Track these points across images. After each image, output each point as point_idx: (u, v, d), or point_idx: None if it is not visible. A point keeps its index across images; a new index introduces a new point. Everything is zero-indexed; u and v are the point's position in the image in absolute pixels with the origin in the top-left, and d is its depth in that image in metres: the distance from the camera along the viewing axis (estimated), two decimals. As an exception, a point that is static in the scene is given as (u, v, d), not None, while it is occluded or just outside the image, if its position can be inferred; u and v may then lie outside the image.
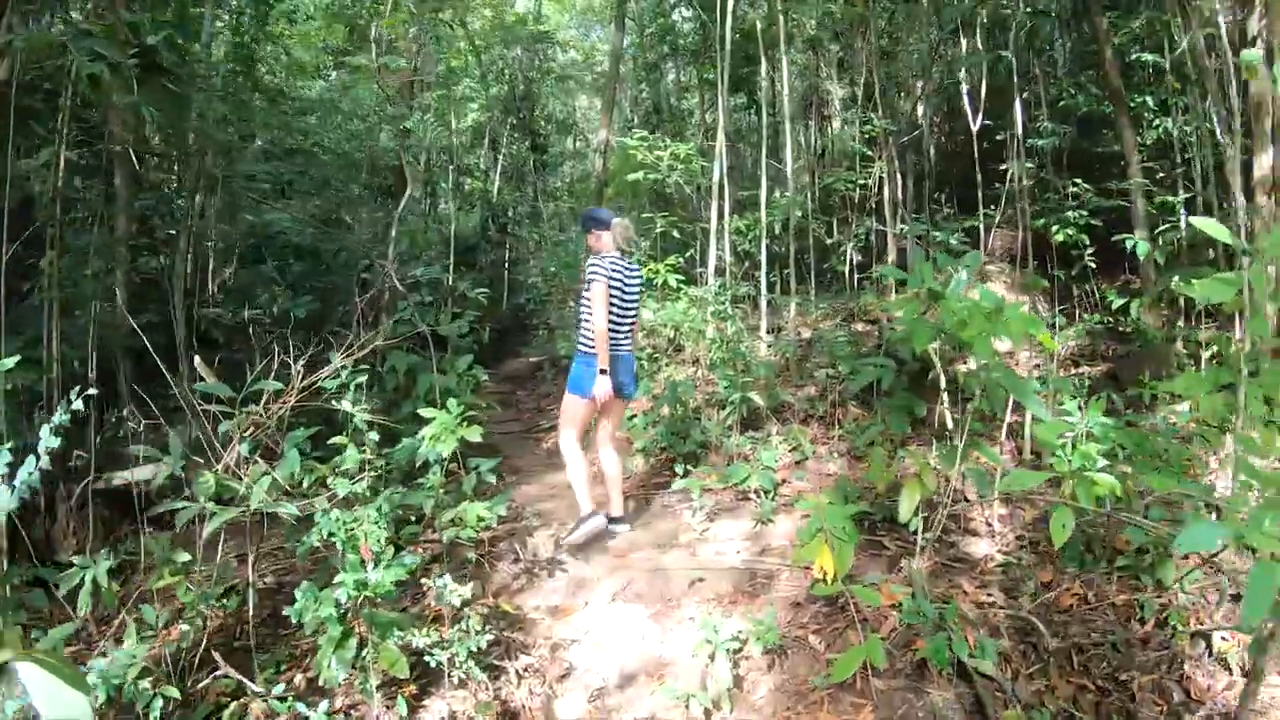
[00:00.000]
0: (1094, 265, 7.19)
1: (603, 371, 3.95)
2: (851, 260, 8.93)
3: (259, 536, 4.08)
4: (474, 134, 15.71)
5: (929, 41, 9.33)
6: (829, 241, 9.31)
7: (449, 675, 2.77)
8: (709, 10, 9.25)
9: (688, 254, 8.58)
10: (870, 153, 8.96)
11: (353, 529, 2.57)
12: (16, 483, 1.82)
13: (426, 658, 2.70)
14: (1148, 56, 7.07)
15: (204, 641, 2.87)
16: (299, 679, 2.97)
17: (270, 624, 3.45)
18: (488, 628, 3.05)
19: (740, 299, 7.84)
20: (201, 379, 3.14)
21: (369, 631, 2.56)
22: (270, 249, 8.65)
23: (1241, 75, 5.09)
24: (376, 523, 2.57)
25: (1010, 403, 4.15)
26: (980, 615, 3.01)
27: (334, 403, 3.07)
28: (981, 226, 7.54)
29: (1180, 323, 6.51)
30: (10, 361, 1.96)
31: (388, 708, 2.67)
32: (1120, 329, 7.06)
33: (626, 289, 4.12)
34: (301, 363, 3.12)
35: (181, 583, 2.92)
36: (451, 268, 8.01)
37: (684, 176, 8.16)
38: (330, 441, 3.59)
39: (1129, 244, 6.12)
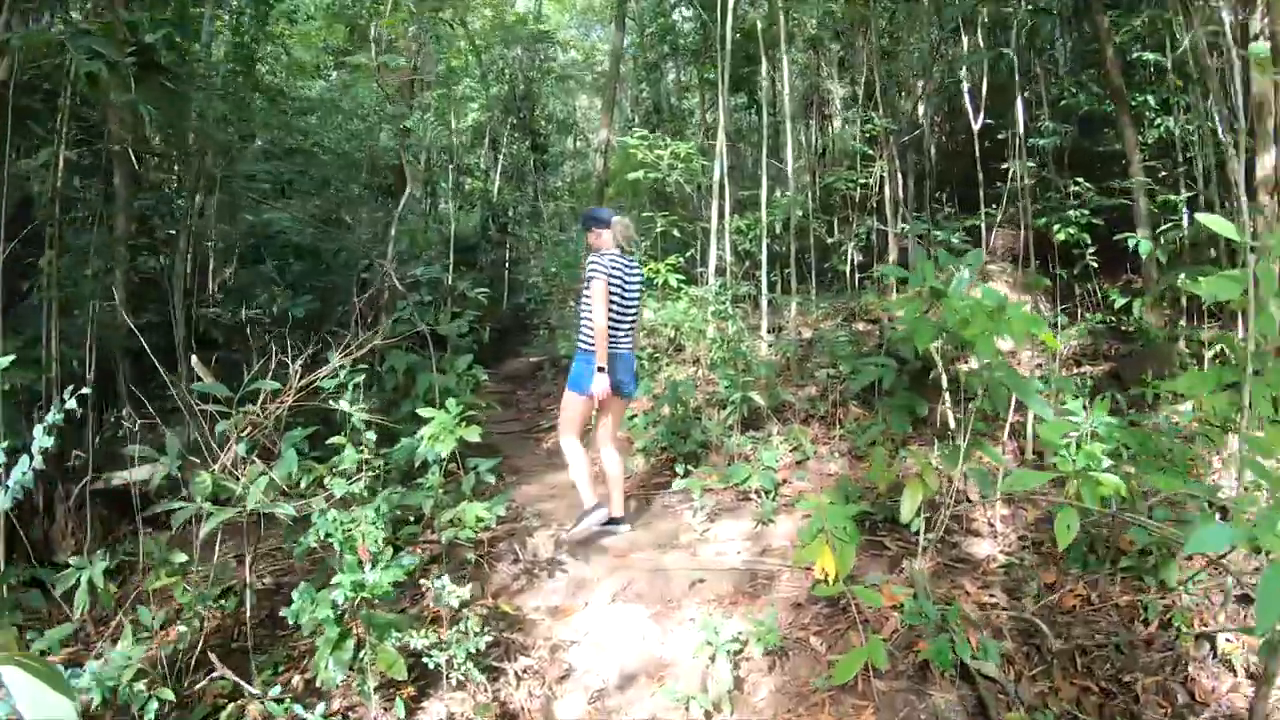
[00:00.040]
0: (1095, 264, 7.17)
1: (600, 369, 3.95)
2: (852, 260, 8.91)
3: (256, 537, 4.06)
4: (474, 134, 15.70)
5: (930, 41, 9.31)
6: (830, 241, 9.29)
7: (447, 677, 2.75)
8: (709, 10, 9.24)
9: (688, 253, 8.57)
10: (871, 152, 8.94)
11: (350, 530, 2.55)
12: (10, 482, 1.80)
13: (425, 659, 2.68)
14: (1149, 55, 7.05)
15: (200, 643, 2.85)
16: (297, 680, 2.96)
17: (268, 625, 3.43)
18: (487, 629, 3.03)
19: (741, 298, 7.82)
20: (199, 379, 3.12)
21: (366, 633, 2.54)
22: (270, 249, 8.63)
23: (1244, 74, 5.07)
24: (374, 523, 2.55)
25: (1012, 402, 4.13)
26: (982, 616, 2.99)
27: (332, 402, 3.05)
28: (983, 225, 7.52)
29: (1182, 322, 6.49)
30: (5, 360, 1.94)
31: (385, 709, 2.65)
32: (1122, 328, 7.03)
33: (626, 287, 4.12)
34: (299, 362, 3.10)
35: (178, 584, 2.90)
36: (451, 267, 7.99)
37: (684, 175, 8.15)
38: (329, 441, 3.58)
39: (1131, 243, 6.10)
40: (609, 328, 4.04)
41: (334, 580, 2.45)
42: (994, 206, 7.74)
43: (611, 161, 12.10)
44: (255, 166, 8.60)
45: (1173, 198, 6.62)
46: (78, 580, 2.78)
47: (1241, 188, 3.39)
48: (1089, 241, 7.01)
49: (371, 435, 2.95)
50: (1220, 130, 6.19)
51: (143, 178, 7.14)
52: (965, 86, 7.80)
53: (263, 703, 2.56)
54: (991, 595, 3.25)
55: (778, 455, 4.97)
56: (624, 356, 4.16)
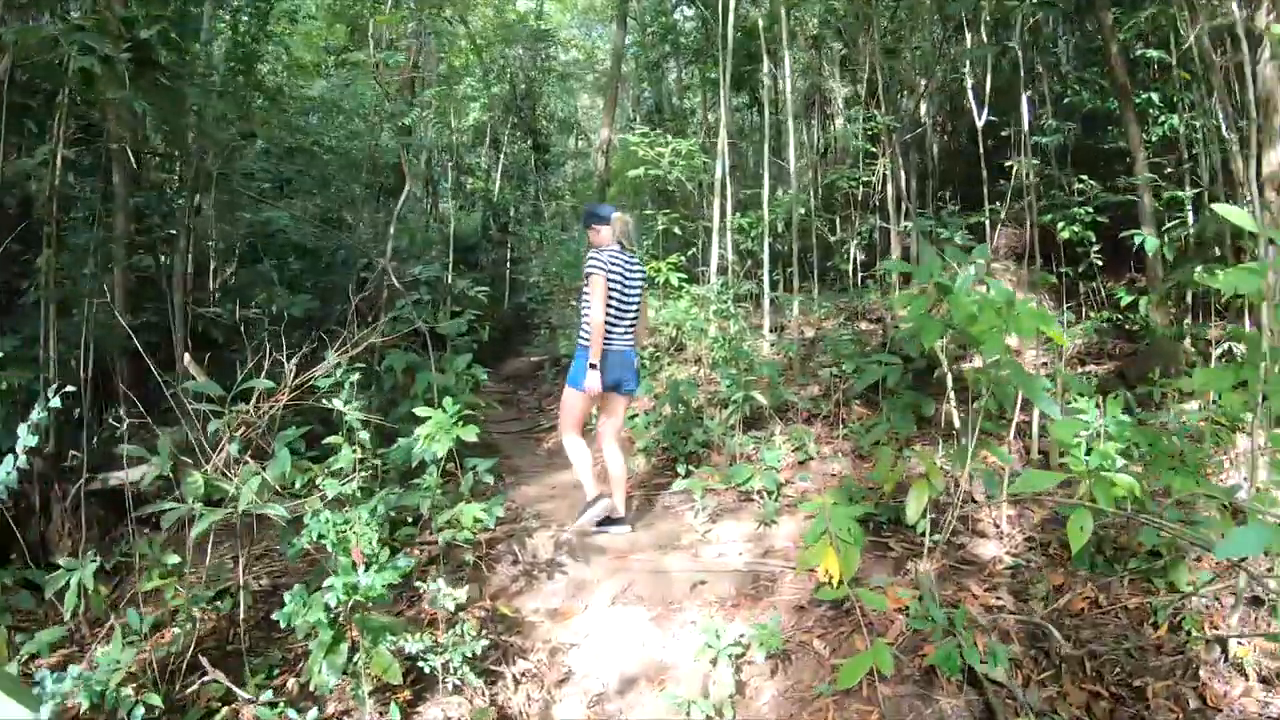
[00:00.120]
0: (1100, 263, 7.12)
1: (592, 366, 3.94)
2: (855, 258, 8.87)
3: (251, 538, 4.02)
4: (475, 133, 15.68)
5: (932, 39, 9.26)
6: (832, 240, 9.24)
7: (443, 681, 2.70)
8: (710, 8, 9.20)
9: (690, 252, 8.52)
10: (874, 149, 8.89)
11: (344, 531, 2.50)
12: (-5, 482, 1.76)
13: (420, 663, 2.63)
14: (1153, 52, 7.01)
15: (193, 646, 2.80)
16: (291, 684, 2.91)
17: (264, 627, 3.38)
18: (484, 632, 2.99)
19: (743, 297, 7.78)
20: (193, 378, 3.08)
21: (361, 636, 2.49)
22: (269, 248, 8.60)
23: (1248, 70, 5.01)
24: (368, 524, 2.50)
25: (1018, 401, 4.07)
26: (989, 620, 2.93)
27: (327, 402, 3.01)
28: (987, 223, 7.47)
29: (1188, 320, 6.43)
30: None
31: (380, 714, 2.60)
32: (1126, 327, 6.99)
33: (626, 283, 4.09)
34: (294, 361, 3.05)
35: (170, 585, 2.85)
36: (451, 266, 7.96)
37: (685, 172, 8.10)
38: (325, 441, 3.53)
39: (1137, 240, 6.04)
40: (609, 324, 4.03)
41: (326, 583, 2.40)
42: (997, 204, 7.69)
43: (613, 161, 12.07)
44: (254, 165, 8.58)
45: (1179, 194, 6.57)
46: (68, 582, 2.73)
47: (1253, 184, 3.32)
48: (1094, 239, 6.96)
49: (366, 435, 2.90)
50: (1225, 127, 6.14)
51: (141, 177, 7.11)
52: (969, 82, 7.74)
53: (255, 706, 2.52)
54: (998, 598, 3.19)
55: (780, 455, 4.92)
56: (624, 353, 4.13)
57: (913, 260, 6.90)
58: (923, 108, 9.49)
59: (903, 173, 8.93)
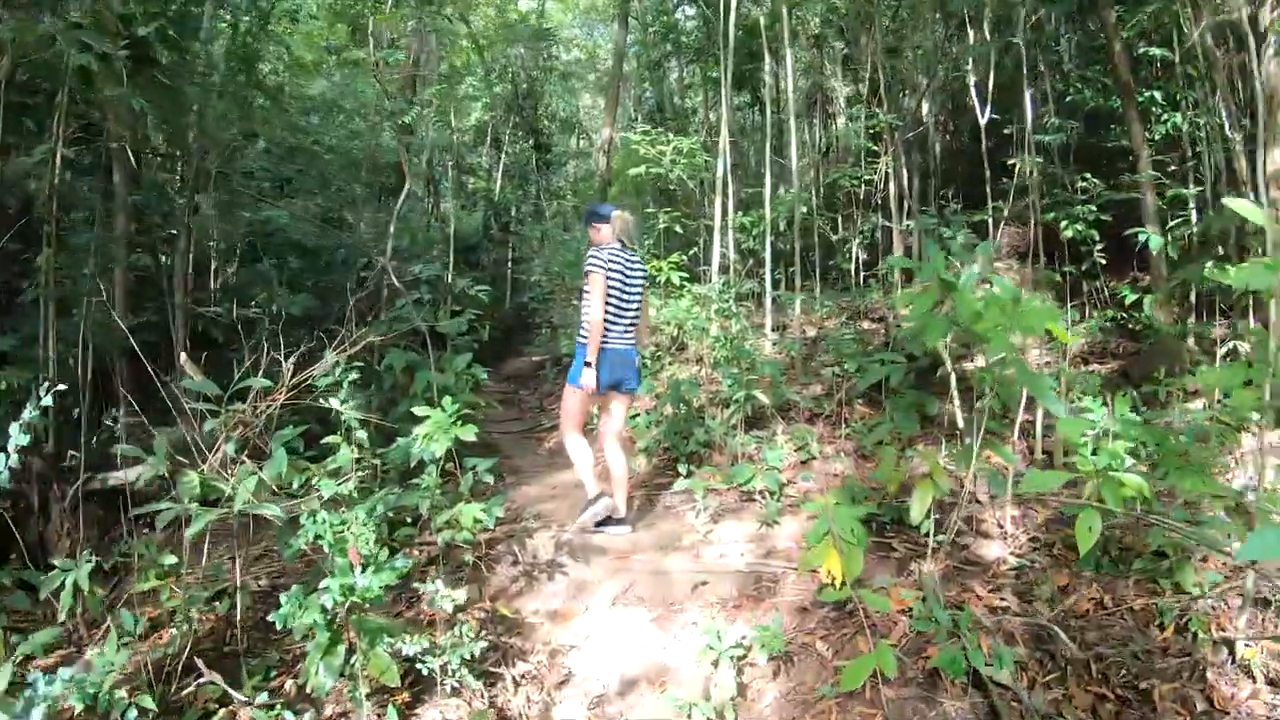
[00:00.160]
0: (1103, 261, 7.09)
1: (587, 364, 3.94)
2: (857, 257, 8.84)
3: (247, 539, 3.99)
4: (477, 133, 15.67)
5: (934, 39, 9.23)
6: (834, 238, 9.21)
7: (441, 683, 2.67)
8: (712, 7, 9.17)
9: (691, 251, 8.50)
10: (876, 148, 8.86)
11: (341, 532, 2.47)
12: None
13: (418, 665, 2.60)
14: (1156, 51, 6.99)
15: (189, 647, 2.78)
16: (289, 685, 2.89)
17: (262, 628, 3.35)
18: (484, 633, 2.96)
19: (744, 296, 7.75)
20: (191, 378, 3.05)
21: (358, 638, 2.46)
22: (269, 247, 8.59)
23: (1253, 66, 4.98)
24: (365, 524, 2.47)
25: (1023, 401, 4.04)
26: (994, 621, 2.90)
27: (324, 401, 2.98)
28: (990, 220, 7.44)
29: (1191, 319, 6.40)
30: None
31: (378, 716, 2.57)
32: (1130, 326, 6.95)
33: (627, 281, 4.08)
34: (292, 360, 3.03)
35: (165, 586, 2.83)
36: (452, 265, 7.94)
37: (687, 170, 8.08)
38: (323, 441, 3.51)
39: (1141, 238, 6.01)
40: (609, 322, 4.02)
41: (322, 584, 2.37)
42: (1000, 202, 7.66)
43: (615, 160, 12.05)
44: (255, 165, 8.56)
45: (1184, 191, 6.54)
46: (64, 583, 2.70)
47: (1260, 180, 3.28)
48: (1097, 238, 6.93)
49: (361, 434, 2.87)
50: (1228, 126, 6.11)
51: (142, 176, 7.10)
52: (972, 79, 7.71)
53: (252, 708, 2.49)
54: (1002, 599, 3.16)
55: (782, 455, 4.89)
56: (625, 351, 4.11)
57: (915, 258, 6.87)
58: (924, 107, 9.46)
59: (905, 171, 8.91)
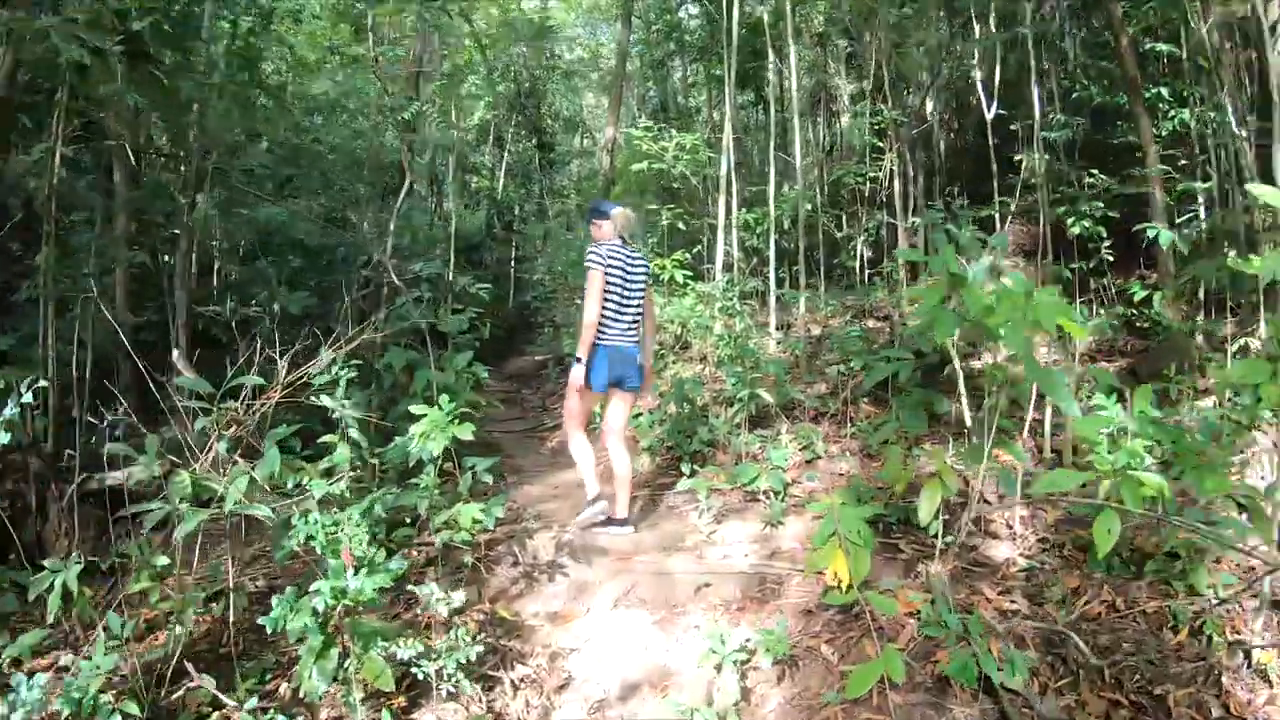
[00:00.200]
0: (1110, 258, 7.01)
1: (578, 360, 3.92)
2: (862, 255, 8.78)
3: (241, 539, 3.95)
4: (480, 132, 15.64)
5: (937, 37, 9.17)
6: (839, 236, 9.15)
7: (437, 688, 2.61)
8: (716, 5, 9.12)
9: (695, 249, 8.46)
10: (881, 144, 8.80)
11: (334, 532, 2.41)
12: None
13: (413, 669, 2.54)
14: (1162, 47, 6.92)
15: (179, 650, 2.72)
16: (284, 689, 2.83)
17: (259, 630, 3.29)
18: (482, 636, 2.90)
19: (748, 295, 7.69)
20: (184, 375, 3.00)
21: (351, 641, 2.41)
22: (270, 246, 8.56)
23: (1270, 55, 4.90)
24: (359, 525, 2.42)
25: (1033, 399, 3.97)
26: (1005, 625, 2.83)
27: (318, 399, 2.93)
28: (997, 216, 7.37)
29: (1200, 316, 6.32)
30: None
31: (373, 721, 2.52)
32: (1137, 324, 6.88)
33: (628, 278, 4.03)
34: (287, 358, 2.97)
35: (155, 588, 2.78)
36: (453, 263, 7.90)
37: (690, 166, 8.03)
38: (321, 440, 3.45)
39: (1150, 234, 5.94)
40: (609, 319, 3.99)
41: (313, 586, 2.32)
42: (1007, 198, 7.60)
43: (618, 159, 12.00)
44: (257, 164, 8.53)
45: (1193, 186, 6.47)
46: (51, 584, 2.65)
47: (1276, 173, 3.21)
48: (1104, 235, 6.86)
49: (354, 432, 2.81)
50: (1235, 122, 6.03)
51: (144, 175, 7.07)
52: (978, 74, 7.65)
53: (242, 712, 2.44)
54: (1012, 601, 3.09)
55: (787, 454, 4.83)
56: (626, 349, 4.06)
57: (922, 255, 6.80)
58: (929, 104, 9.39)
59: (909, 169, 8.84)
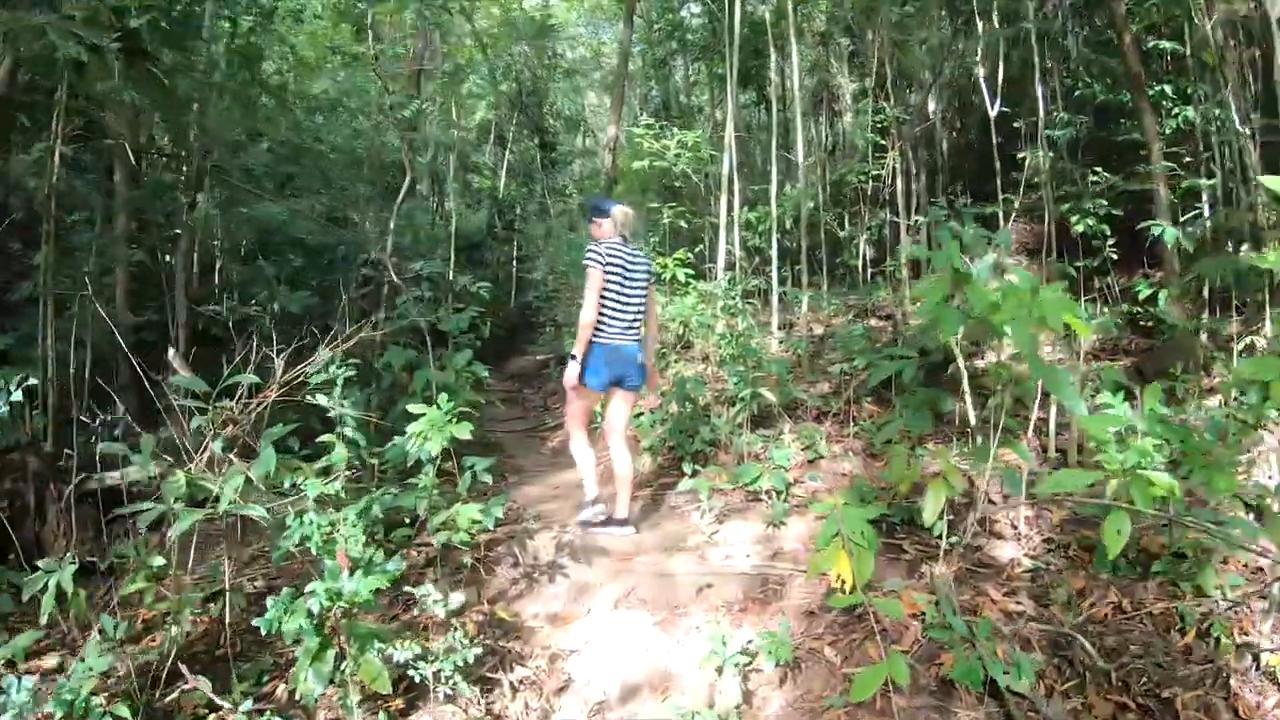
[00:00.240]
0: (1114, 257, 6.97)
1: (573, 357, 3.90)
2: (864, 254, 8.74)
3: (239, 540, 3.92)
4: (481, 131, 15.62)
5: (940, 35, 9.13)
6: (841, 235, 9.12)
7: (435, 690, 2.58)
8: (718, 4, 9.08)
9: (697, 248, 8.43)
10: (883, 142, 8.76)
11: (330, 533, 2.38)
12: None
13: (411, 671, 2.51)
14: (1165, 44, 6.88)
15: (175, 651, 2.69)
16: (281, 690, 2.80)
17: (257, 631, 3.27)
18: (481, 637, 2.87)
19: (750, 294, 7.66)
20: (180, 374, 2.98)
21: (347, 643, 2.38)
22: (270, 245, 8.55)
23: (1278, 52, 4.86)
24: (355, 525, 2.39)
25: (1038, 397, 3.93)
26: (1010, 627, 2.79)
27: (315, 398, 2.90)
28: (1000, 214, 7.33)
29: (1205, 315, 6.28)
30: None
31: (370, 723, 2.49)
32: (1141, 322, 6.84)
33: (628, 277, 4.00)
34: (284, 357, 2.94)
35: (150, 589, 2.75)
36: (453, 262, 7.87)
37: (691, 164, 8.00)
38: (319, 439, 3.42)
39: (1155, 232, 5.90)
40: (608, 318, 3.95)
41: (309, 588, 2.29)
42: (1010, 195, 7.56)
43: (620, 158, 11.96)
44: (257, 163, 8.52)
45: (1198, 183, 6.43)
46: (45, 585, 2.63)
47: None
48: (1108, 233, 6.82)
49: (352, 432, 2.78)
50: (1239, 120, 6.00)
51: (144, 175, 7.06)
52: (980, 71, 7.61)
53: (237, 716, 2.41)
54: (1017, 602, 3.05)
55: (789, 454, 4.80)
56: (626, 348, 4.02)
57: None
58: (931, 102, 9.35)
59: (912, 167, 8.81)
